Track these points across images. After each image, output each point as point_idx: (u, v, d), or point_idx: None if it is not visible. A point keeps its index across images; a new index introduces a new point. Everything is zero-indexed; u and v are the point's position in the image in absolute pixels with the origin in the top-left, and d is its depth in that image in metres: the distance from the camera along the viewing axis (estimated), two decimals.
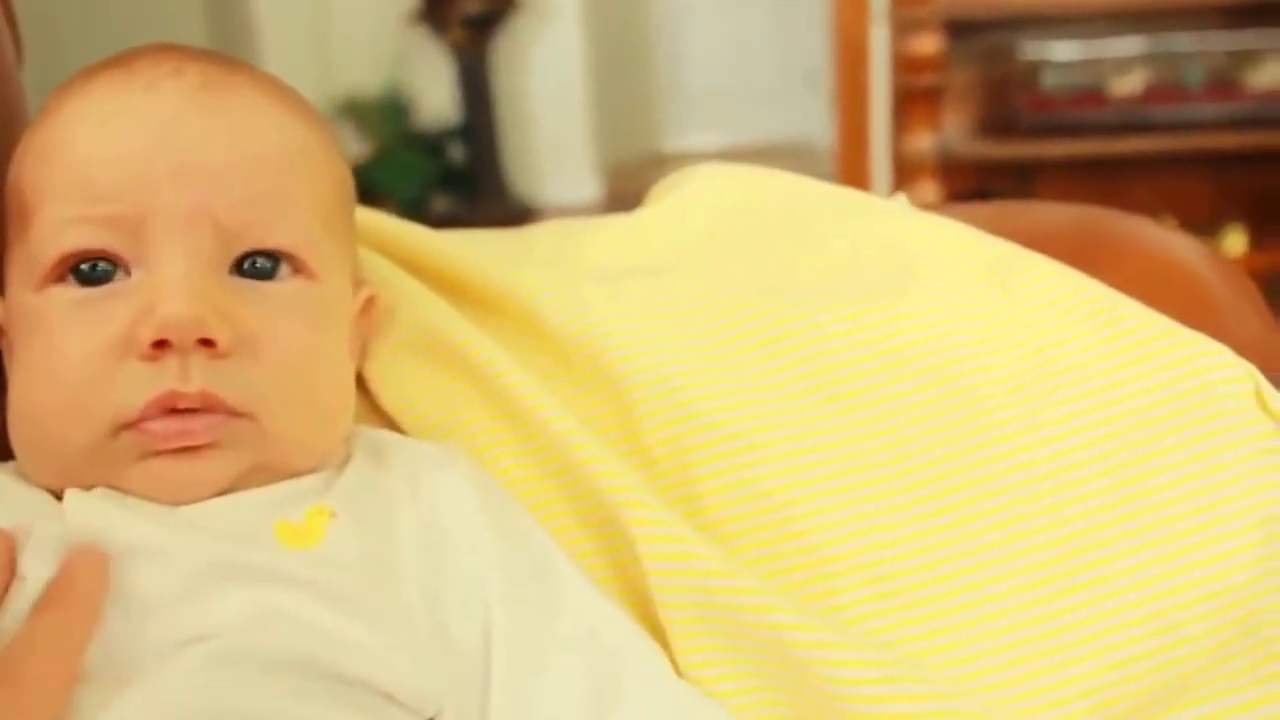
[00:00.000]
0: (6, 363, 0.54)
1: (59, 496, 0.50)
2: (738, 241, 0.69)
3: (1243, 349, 0.58)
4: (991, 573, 0.54)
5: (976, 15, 2.40)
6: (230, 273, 0.51)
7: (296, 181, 0.53)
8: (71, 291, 0.50)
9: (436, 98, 3.92)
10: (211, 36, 3.34)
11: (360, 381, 0.61)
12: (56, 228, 0.50)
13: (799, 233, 0.69)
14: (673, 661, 0.52)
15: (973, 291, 0.62)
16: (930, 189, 2.39)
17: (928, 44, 2.35)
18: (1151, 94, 2.36)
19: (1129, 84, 2.37)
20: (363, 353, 0.62)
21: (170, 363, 0.48)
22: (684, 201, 0.75)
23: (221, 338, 0.48)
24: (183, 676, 0.44)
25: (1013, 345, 0.59)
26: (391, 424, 0.61)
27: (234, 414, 0.49)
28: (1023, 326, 0.60)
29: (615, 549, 0.55)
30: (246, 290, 0.51)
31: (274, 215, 0.52)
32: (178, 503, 0.49)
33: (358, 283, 0.60)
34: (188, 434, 0.48)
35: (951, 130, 2.47)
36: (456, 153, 3.93)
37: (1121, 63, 2.37)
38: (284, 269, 0.52)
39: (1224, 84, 2.35)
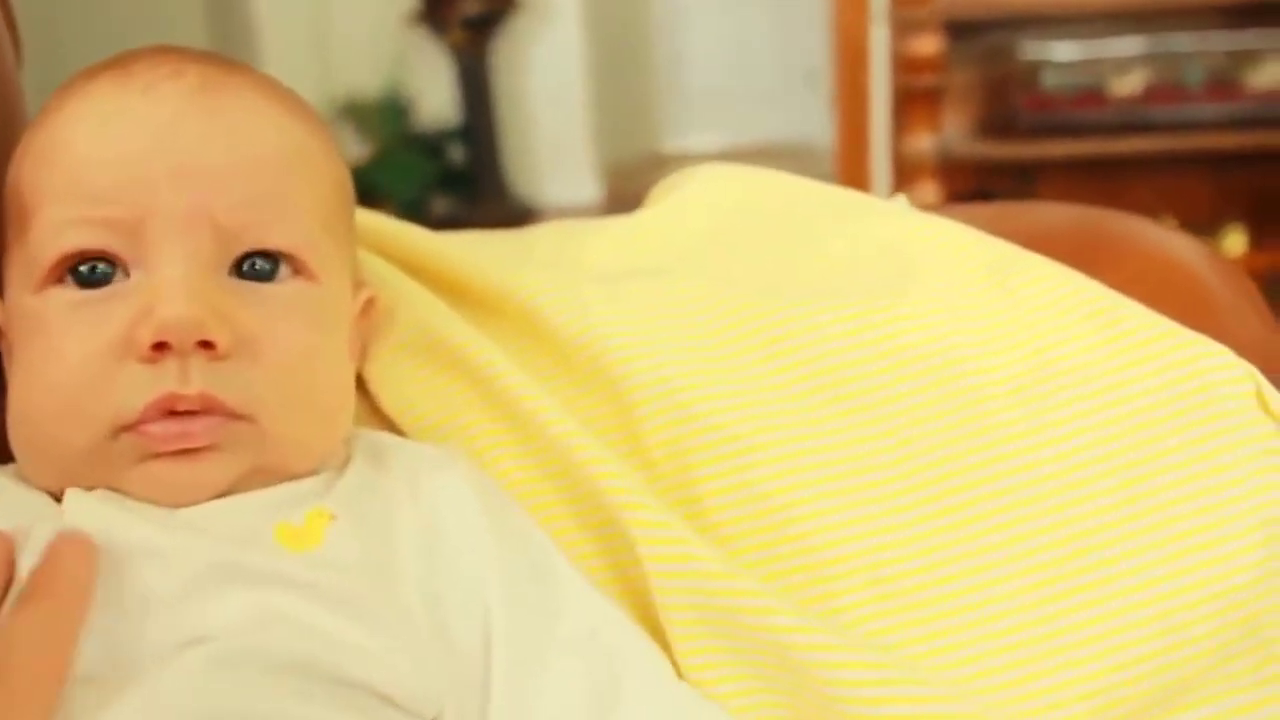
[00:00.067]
0: (6, 365, 0.53)
1: (59, 499, 0.50)
2: (738, 242, 0.69)
3: (1243, 349, 0.58)
4: (992, 574, 0.54)
5: (976, 15, 2.40)
6: (230, 274, 0.51)
7: (295, 182, 0.53)
8: (70, 293, 0.50)
9: (436, 98, 3.92)
10: (211, 37, 3.34)
11: (360, 383, 0.61)
12: (55, 229, 0.50)
13: (799, 233, 0.69)
14: (673, 663, 0.52)
15: (973, 292, 0.62)
16: (930, 189, 2.39)
17: (928, 44, 2.35)
18: (1151, 94, 2.36)
19: (1129, 84, 2.37)
20: (362, 354, 0.62)
21: (169, 365, 0.48)
22: (684, 202, 0.75)
23: (221, 340, 0.48)
24: (182, 678, 0.44)
25: (1014, 346, 0.59)
26: (391, 426, 0.61)
27: (233, 416, 0.49)
28: (1023, 327, 0.60)
29: (615, 550, 0.55)
30: (246, 292, 0.51)
31: (273, 216, 0.52)
32: (177, 504, 0.49)
33: (357, 284, 0.60)
34: (187, 436, 0.48)
35: (951, 130, 2.46)
36: (456, 153, 3.93)
37: (1121, 63, 2.37)
38: (283, 270, 0.52)
39: (1224, 84, 2.35)
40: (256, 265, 0.51)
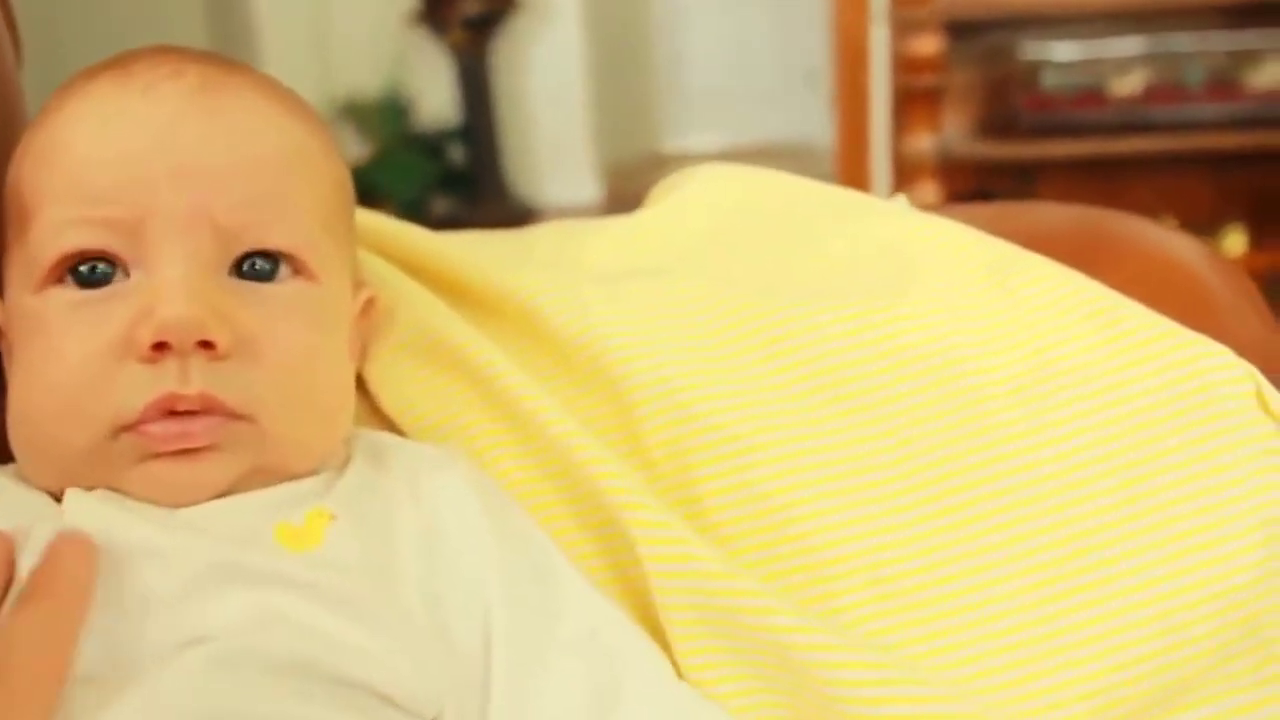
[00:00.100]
0: (6, 365, 0.53)
1: (59, 499, 0.50)
2: (739, 242, 0.69)
3: (1243, 349, 0.58)
4: (993, 574, 0.54)
5: (977, 15, 2.40)
6: (230, 274, 0.51)
7: (295, 182, 0.53)
8: (70, 293, 0.50)
9: (436, 99, 3.92)
10: (211, 38, 3.34)
11: (360, 384, 0.61)
12: (55, 229, 0.50)
13: (800, 233, 0.69)
14: (673, 663, 0.52)
15: (973, 292, 0.62)
16: (930, 189, 2.39)
17: (928, 44, 2.35)
18: (1152, 94, 2.36)
19: (1129, 84, 2.37)
20: (363, 354, 0.62)
21: (170, 365, 0.48)
22: (685, 202, 0.75)
23: (221, 340, 0.48)
24: (182, 678, 0.44)
25: (1014, 346, 0.59)
26: (391, 426, 0.61)
27: (233, 416, 0.49)
28: (1024, 327, 0.60)
29: (616, 550, 0.55)
30: (246, 292, 0.51)
31: (273, 216, 0.51)
32: (177, 504, 0.49)
33: (357, 284, 0.60)
34: (187, 436, 0.48)
35: (952, 131, 2.47)
36: (456, 154, 3.93)
37: (1122, 63, 2.37)
38: (284, 270, 0.52)
39: (1224, 84, 2.35)
40: (257, 265, 0.51)
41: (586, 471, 0.55)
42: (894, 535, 0.54)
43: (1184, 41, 2.35)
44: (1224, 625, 0.52)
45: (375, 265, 0.66)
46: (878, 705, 0.49)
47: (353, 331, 0.58)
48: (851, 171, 2.46)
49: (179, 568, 0.46)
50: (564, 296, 0.62)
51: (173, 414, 0.48)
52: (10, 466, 0.53)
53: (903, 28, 2.37)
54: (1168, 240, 0.75)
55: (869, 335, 0.59)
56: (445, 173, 3.87)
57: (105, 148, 0.50)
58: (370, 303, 0.60)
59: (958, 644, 0.52)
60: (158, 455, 0.48)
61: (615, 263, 0.69)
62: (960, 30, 2.39)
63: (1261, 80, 2.34)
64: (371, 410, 0.62)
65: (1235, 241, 2.38)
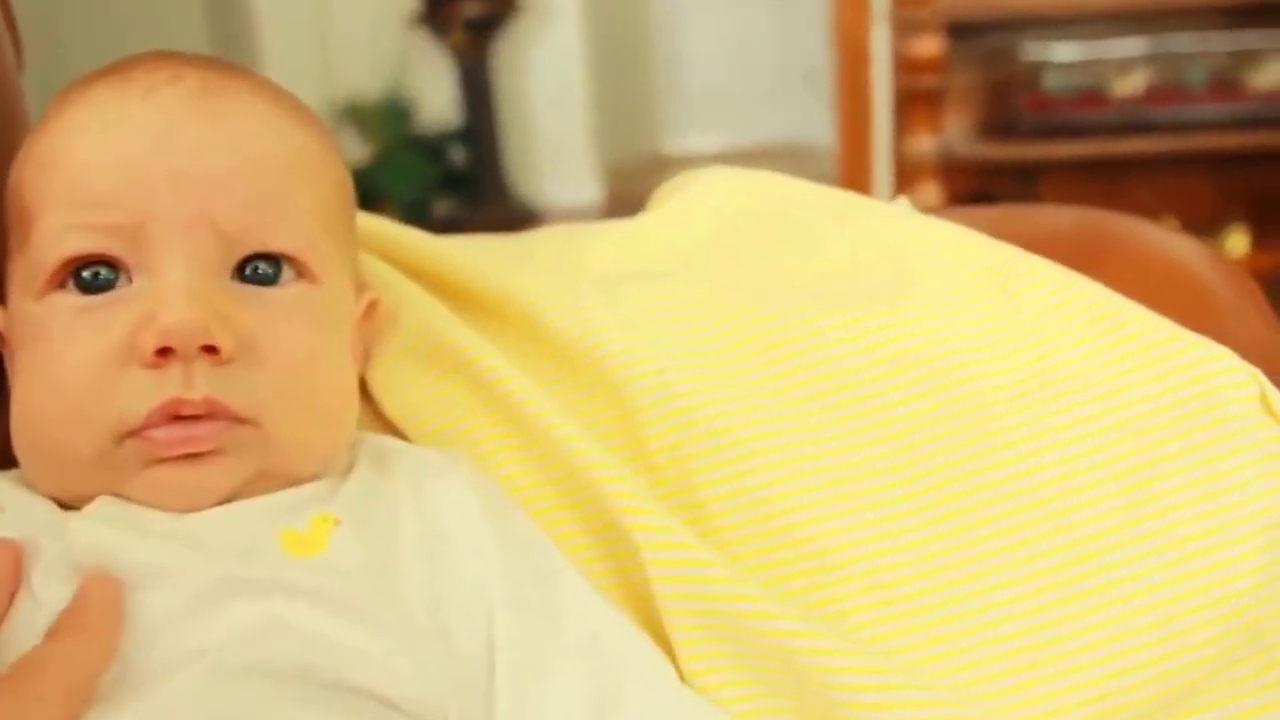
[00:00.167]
0: (9, 371, 0.53)
1: (63, 504, 0.50)
2: (740, 246, 0.69)
3: (1245, 350, 0.58)
4: (994, 579, 0.54)
5: (978, 16, 2.40)
6: (232, 278, 0.51)
7: (296, 185, 0.53)
8: (73, 299, 0.50)
9: (437, 100, 3.92)
10: (212, 40, 3.34)
11: (363, 388, 0.61)
12: (57, 234, 0.50)
13: (800, 237, 0.69)
14: (676, 667, 0.52)
15: (974, 295, 0.62)
16: (932, 190, 2.40)
17: (929, 45, 2.35)
18: (1153, 95, 2.37)
19: (1130, 85, 2.37)
20: (366, 357, 0.62)
21: (174, 370, 0.48)
22: (686, 206, 0.75)
23: (224, 344, 0.48)
24: (182, 689, 0.44)
25: (1015, 350, 0.59)
26: (394, 431, 0.61)
27: (238, 420, 0.49)
28: (1025, 331, 0.60)
29: (618, 555, 0.55)
30: (248, 295, 0.51)
31: (274, 218, 0.51)
32: (182, 510, 0.49)
33: (360, 287, 0.60)
34: (192, 441, 0.48)
35: (953, 132, 2.47)
36: (457, 155, 3.94)
37: (1123, 63, 2.37)
38: (286, 273, 0.52)
39: (1225, 84, 2.35)
40: (259, 269, 0.51)
41: (589, 475, 0.55)
42: (895, 540, 0.54)
43: (1185, 42, 2.35)
44: (1226, 630, 0.52)
45: (377, 269, 0.66)
46: (881, 710, 0.49)
47: (355, 334, 0.58)
48: (852, 173, 2.47)
49: (185, 585, 0.46)
50: (565, 300, 0.62)
51: (177, 419, 0.48)
52: (13, 472, 0.53)
53: (904, 28, 2.37)
54: (1169, 242, 0.74)
55: (870, 339, 0.59)
56: (446, 174, 3.88)
57: (105, 153, 0.50)
58: (373, 305, 0.60)
59: (959, 649, 0.52)
60: (162, 460, 0.48)
61: (616, 266, 0.69)
62: (961, 31, 2.39)
63: (1263, 80, 2.34)
64: (374, 415, 0.62)
65: (1237, 242, 2.39)
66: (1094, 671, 0.52)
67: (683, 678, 0.52)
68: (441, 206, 3.86)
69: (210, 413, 0.48)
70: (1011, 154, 2.45)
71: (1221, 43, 2.35)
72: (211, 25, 3.39)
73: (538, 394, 0.58)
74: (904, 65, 2.38)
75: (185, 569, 0.46)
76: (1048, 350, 0.59)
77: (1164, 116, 2.35)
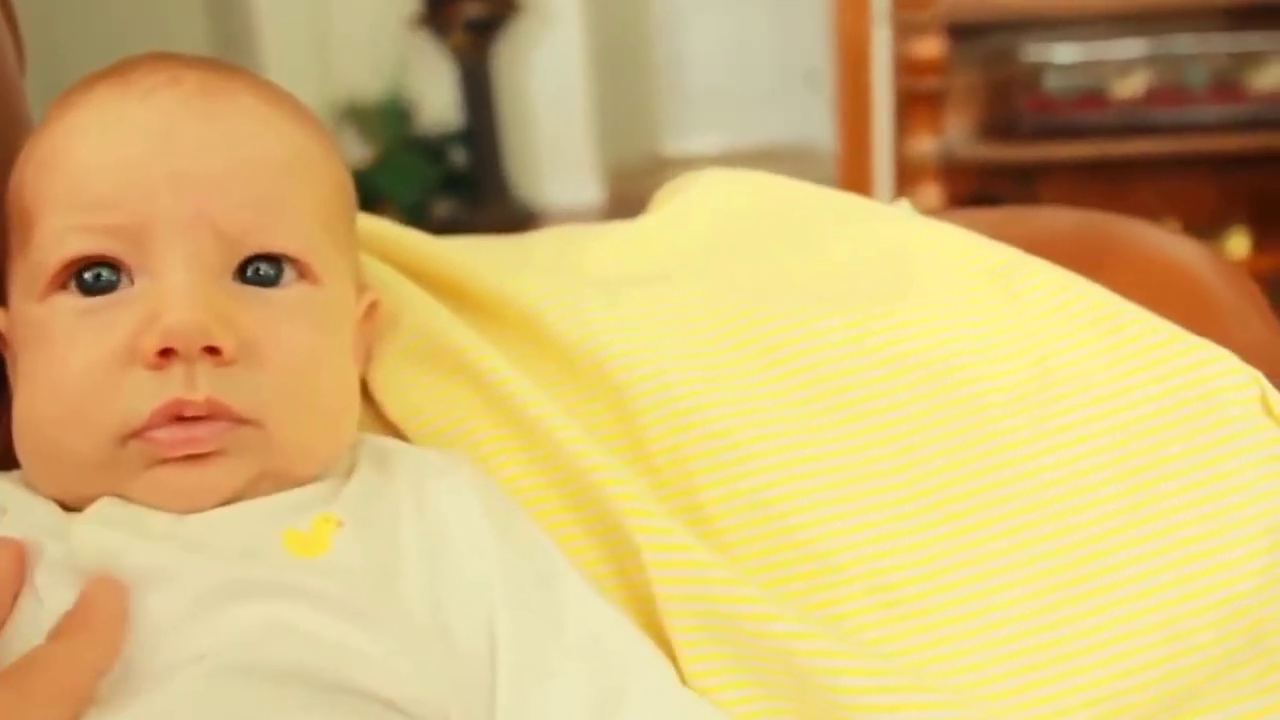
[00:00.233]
0: (10, 373, 0.54)
1: (65, 506, 0.50)
2: (740, 247, 0.69)
3: (1246, 352, 0.58)
4: (995, 582, 0.53)
5: (978, 18, 2.40)
6: (234, 279, 0.51)
7: (295, 186, 0.53)
8: (74, 300, 0.50)
9: (438, 102, 3.93)
10: (212, 42, 3.34)
11: (364, 390, 0.61)
12: (58, 236, 0.50)
13: (800, 238, 0.69)
14: (677, 669, 0.52)
15: (975, 297, 0.62)
16: (932, 192, 2.40)
17: (930, 47, 2.36)
18: (1154, 96, 2.37)
19: (1131, 86, 2.37)
20: (367, 358, 0.62)
21: (176, 371, 0.48)
22: (686, 207, 0.75)
23: (226, 345, 0.48)
24: (182, 691, 0.44)
25: (1016, 352, 0.59)
26: (396, 432, 0.61)
27: (240, 421, 0.49)
28: (1026, 333, 0.60)
29: (620, 556, 0.55)
30: (249, 296, 0.51)
31: (273, 219, 0.52)
32: (185, 510, 0.49)
33: (360, 288, 0.60)
34: (194, 441, 0.48)
35: (954, 133, 2.47)
36: (458, 156, 3.94)
37: (1123, 65, 2.38)
38: (287, 274, 0.52)
39: (1226, 86, 2.36)
40: (260, 270, 0.51)
41: (591, 477, 0.55)
42: (895, 542, 0.54)
43: (1186, 43, 2.36)
44: (1228, 633, 0.52)
45: (377, 270, 0.66)
46: (882, 712, 0.49)
47: (356, 335, 0.58)
48: (853, 174, 2.47)
49: (189, 588, 0.46)
50: (565, 302, 0.62)
51: (179, 420, 0.48)
52: (15, 473, 0.53)
53: (904, 30, 2.37)
54: (1170, 244, 0.74)
55: (870, 341, 0.59)
56: (447, 175, 3.88)
57: (105, 155, 0.50)
58: (374, 306, 0.60)
59: (960, 651, 0.52)
60: (165, 461, 0.48)
61: (616, 268, 0.69)
62: (962, 32, 2.39)
63: (1264, 82, 2.34)
64: (375, 416, 0.62)
65: (1238, 244, 2.39)
66: (1097, 673, 0.52)
67: (683, 679, 0.52)
68: (442, 208, 3.87)
69: (212, 413, 0.48)
70: (1012, 155, 2.45)
71: (1222, 44, 2.35)
72: (211, 26, 3.39)
73: (539, 395, 0.58)
74: (905, 67, 2.39)
75: (188, 571, 0.46)
76: (1048, 352, 0.59)
77: (1165, 118, 2.35)
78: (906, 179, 2.43)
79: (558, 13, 3.95)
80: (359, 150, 3.66)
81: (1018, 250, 0.64)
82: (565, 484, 0.57)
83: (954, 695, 0.51)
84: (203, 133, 0.51)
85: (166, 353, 0.47)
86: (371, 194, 3.38)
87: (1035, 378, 0.58)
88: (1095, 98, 2.38)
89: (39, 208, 0.51)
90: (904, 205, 0.75)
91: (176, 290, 0.48)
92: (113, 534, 0.48)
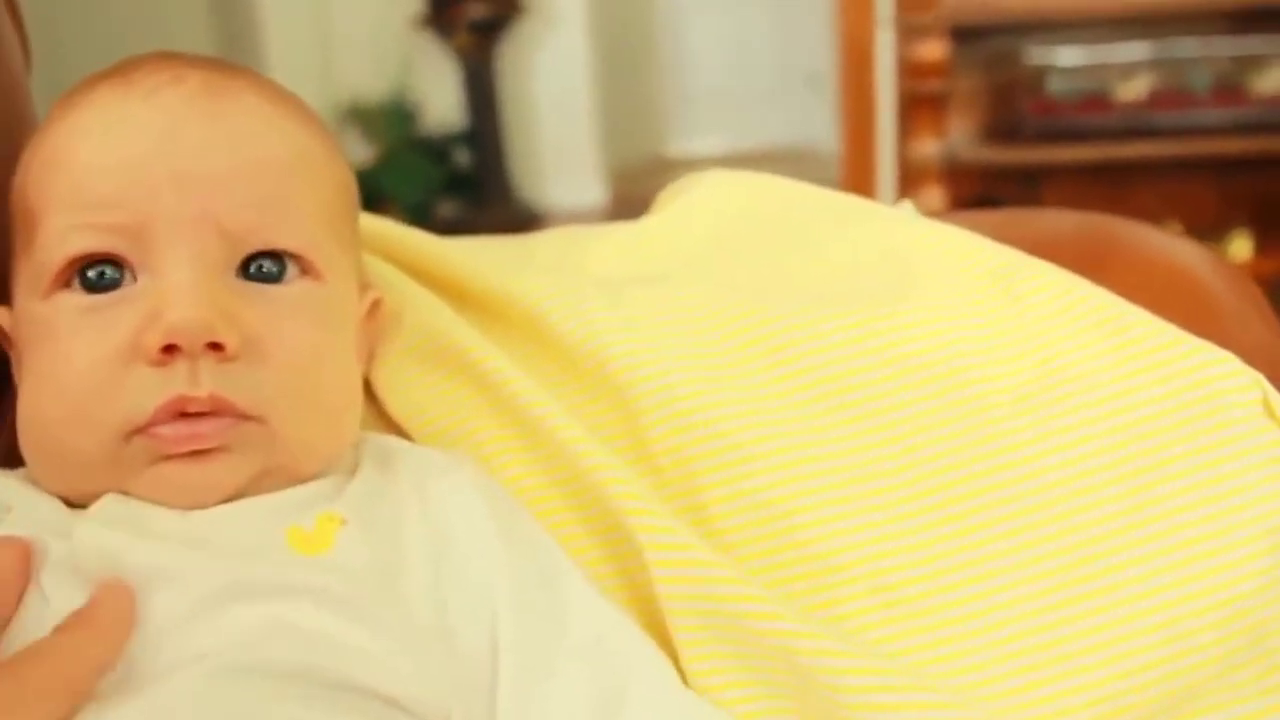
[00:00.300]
0: (15, 371, 0.54)
1: (69, 503, 0.50)
2: (743, 248, 0.69)
3: (1248, 355, 0.58)
4: (997, 582, 0.54)
5: (982, 21, 2.40)
6: (237, 276, 0.51)
7: (298, 185, 0.53)
8: (78, 298, 0.50)
9: (442, 102, 3.93)
10: (215, 42, 3.34)
11: (367, 389, 0.61)
12: (61, 235, 0.50)
13: (803, 239, 0.69)
14: (679, 670, 0.52)
15: (978, 299, 0.62)
16: (935, 194, 2.40)
17: (933, 49, 2.36)
18: (1157, 99, 2.37)
19: (1134, 89, 2.37)
20: (369, 357, 0.62)
21: (179, 367, 0.48)
22: (689, 208, 0.75)
23: (229, 341, 0.48)
24: (184, 689, 0.44)
25: (1019, 354, 0.59)
26: (399, 431, 0.61)
27: (243, 417, 0.49)
28: (1029, 335, 0.60)
29: (622, 556, 0.55)
30: (253, 293, 0.51)
31: (276, 218, 0.52)
32: (189, 507, 0.49)
33: (363, 287, 0.60)
34: (198, 437, 0.48)
35: (957, 136, 2.47)
36: (462, 157, 3.94)
37: (1127, 68, 2.38)
38: (291, 271, 0.52)
39: (1229, 89, 2.36)
40: (264, 267, 0.52)
41: (593, 477, 0.55)
42: (898, 543, 0.54)
43: (1189, 47, 2.36)
44: (1230, 634, 0.52)
45: (381, 269, 0.66)
46: (884, 711, 0.49)
47: (359, 333, 0.58)
48: (857, 176, 2.47)
49: (191, 589, 0.46)
50: (568, 302, 0.62)
51: (183, 416, 0.48)
52: (20, 471, 0.53)
53: (908, 32, 2.37)
54: (1173, 246, 0.74)
55: (873, 343, 0.59)
56: (451, 176, 3.88)
57: (108, 154, 0.51)
58: (377, 305, 0.60)
59: (962, 652, 0.52)
60: (169, 457, 0.48)
61: (619, 269, 0.69)
62: (965, 35, 2.39)
63: (1266, 85, 2.34)
64: (379, 415, 0.62)
65: (1241, 247, 2.39)
66: (1097, 674, 0.52)
67: (686, 679, 0.52)
68: (445, 208, 3.87)
69: (216, 410, 0.48)
70: (1015, 158, 2.45)
71: (1225, 48, 2.35)
72: (214, 26, 3.40)
73: (542, 395, 0.58)
74: (908, 69, 2.39)
75: (191, 571, 0.47)
76: (1051, 354, 0.59)
77: (1167, 121, 2.35)
78: (909, 181, 2.43)
79: (561, 14, 3.96)
80: (362, 150, 3.66)
81: (1020, 252, 0.64)
82: (568, 484, 0.57)
83: (955, 695, 0.51)
84: (206, 132, 0.51)
85: (170, 349, 0.47)
86: (375, 194, 3.38)
87: (1038, 379, 0.58)
88: (1098, 100, 2.38)
89: (43, 207, 0.51)
90: (907, 207, 0.75)
91: (180, 287, 0.48)
92: (114, 534, 0.48)
